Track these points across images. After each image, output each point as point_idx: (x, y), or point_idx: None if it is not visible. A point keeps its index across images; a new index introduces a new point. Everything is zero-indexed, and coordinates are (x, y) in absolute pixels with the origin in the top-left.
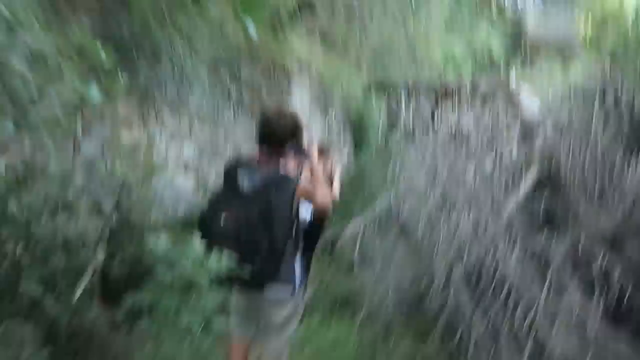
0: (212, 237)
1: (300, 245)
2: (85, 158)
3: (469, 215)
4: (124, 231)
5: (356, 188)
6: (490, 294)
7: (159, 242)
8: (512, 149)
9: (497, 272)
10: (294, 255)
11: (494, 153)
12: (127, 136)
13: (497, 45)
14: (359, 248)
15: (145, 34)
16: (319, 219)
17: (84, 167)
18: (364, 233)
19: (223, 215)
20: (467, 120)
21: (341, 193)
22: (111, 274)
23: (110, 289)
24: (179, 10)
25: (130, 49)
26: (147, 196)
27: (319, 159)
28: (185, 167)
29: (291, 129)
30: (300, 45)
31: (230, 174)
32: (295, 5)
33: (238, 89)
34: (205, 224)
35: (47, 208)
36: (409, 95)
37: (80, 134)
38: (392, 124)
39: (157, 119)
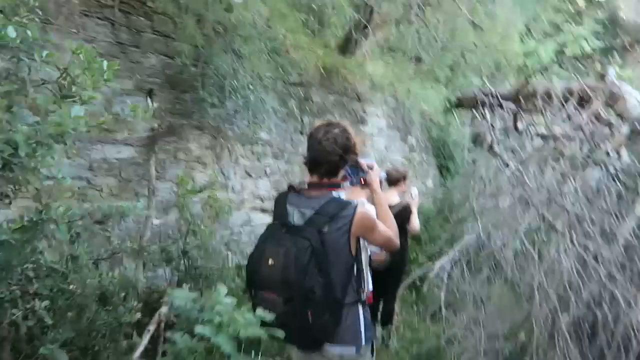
0: (256, 286)
1: (365, 288)
2: (160, 201)
3: (573, 243)
4: (189, 279)
5: (444, 217)
6: (609, 350)
7: (179, 293)
8: (620, 157)
9: (618, 319)
10: (357, 302)
11: (599, 164)
12: (200, 175)
13: (588, 39)
14: (446, 288)
15: (212, 70)
16: (398, 254)
17: (159, 210)
18: (452, 270)
19: (269, 256)
20: (563, 128)
21: (423, 224)
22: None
23: None
24: (244, 42)
25: (197, 86)
26: (216, 239)
27: (395, 186)
28: (262, 202)
29: (342, 147)
30: (373, 66)
31: (278, 207)
32: (365, 24)
33: (310, 120)
34: (250, 269)
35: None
36: (493, 106)
37: (155, 176)
38: (477, 140)
39: (230, 155)
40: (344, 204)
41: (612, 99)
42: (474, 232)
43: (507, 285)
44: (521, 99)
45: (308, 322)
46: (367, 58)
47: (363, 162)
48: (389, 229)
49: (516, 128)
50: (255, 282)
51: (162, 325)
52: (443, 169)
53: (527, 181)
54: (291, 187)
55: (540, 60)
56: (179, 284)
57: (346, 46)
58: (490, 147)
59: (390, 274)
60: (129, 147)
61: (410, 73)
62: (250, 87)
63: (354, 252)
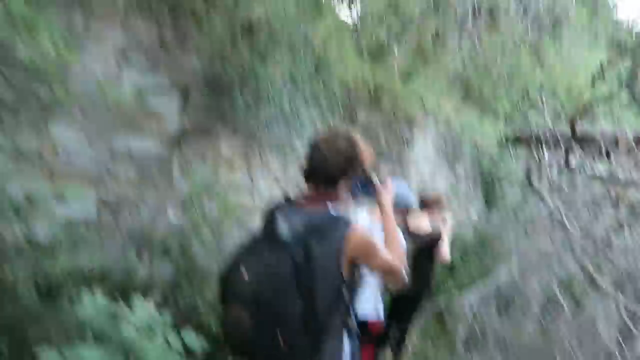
0: (226, 300)
1: (351, 318)
2: (181, 200)
3: (617, 307)
4: (185, 278)
5: (483, 249)
6: None
7: (88, 300)
8: None
9: None
10: (342, 331)
11: None
12: (227, 177)
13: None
14: (470, 325)
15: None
16: (422, 281)
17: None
18: (480, 307)
19: (244, 268)
20: (627, 173)
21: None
22: None
23: None
24: (287, 49)
25: (234, 88)
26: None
27: (428, 212)
28: None
29: (345, 157)
30: (427, 90)
31: (267, 217)
32: (427, 46)
33: None
34: (222, 279)
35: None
36: (550, 146)
37: (178, 172)
38: (530, 179)
39: (261, 161)
40: (338, 221)
41: None
42: (508, 270)
43: (536, 333)
44: (577, 131)
45: (279, 348)
46: (424, 82)
47: (375, 177)
48: (394, 258)
49: (567, 164)
50: (225, 296)
51: None
52: (489, 203)
53: (570, 224)
54: (287, 198)
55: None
56: (176, 283)
57: (406, 66)
58: (531, 183)
59: (410, 301)
60: (155, 141)
61: (467, 104)
62: (287, 96)
63: (344, 276)
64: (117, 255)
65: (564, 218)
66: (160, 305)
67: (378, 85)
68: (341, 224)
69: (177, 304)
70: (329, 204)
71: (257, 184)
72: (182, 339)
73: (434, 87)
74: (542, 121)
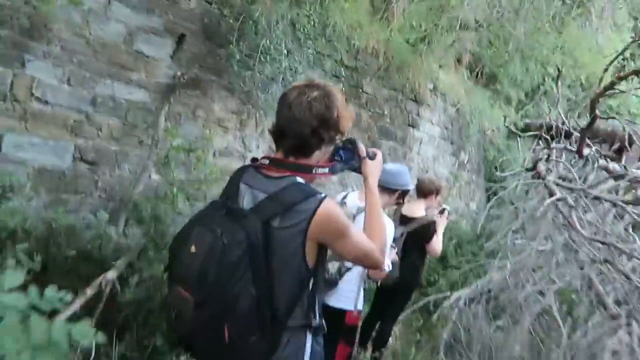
0: (172, 276)
1: (317, 314)
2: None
3: (630, 334)
4: (153, 246)
5: (479, 244)
6: None
7: None
8: None
9: None
10: (305, 328)
11: None
12: (218, 140)
13: None
14: (454, 326)
15: (250, 23)
16: (409, 274)
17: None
18: (468, 306)
19: (193, 241)
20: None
21: (455, 247)
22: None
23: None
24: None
25: (232, 39)
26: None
27: (425, 198)
28: None
29: (319, 116)
30: (439, 68)
31: (231, 183)
32: (443, 24)
33: (356, 109)
34: (170, 253)
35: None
36: (562, 137)
37: (163, 127)
38: (538, 171)
39: (256, 126)
40: (307, 193)
41: None
42: (501, 270)
43: (526, 347)
44: (596, 116)
45: (222, 340)
46: (436, 59)
47: (362, 146)
48: (372, 241)
49: (580, 153)
50: (171, 272)
51: (105, 292)
52: (492, 194)
53: (576, 224)
54: (254, 161)
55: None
56: (143, 250)
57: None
58: (539, 175)
59: (396, 293)
60: (142, 89)
61: (479, 86)
62: (286, 51)
63: (311, 262)
64: (88, 214)
65: (572, 216)
66: (122, 278)
67: (389, 54)
68: (310, 198)
69: (140, 274)
70: (297, 173)
71: (251, 149)
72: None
73: (446, 63)
74: (555, 110)
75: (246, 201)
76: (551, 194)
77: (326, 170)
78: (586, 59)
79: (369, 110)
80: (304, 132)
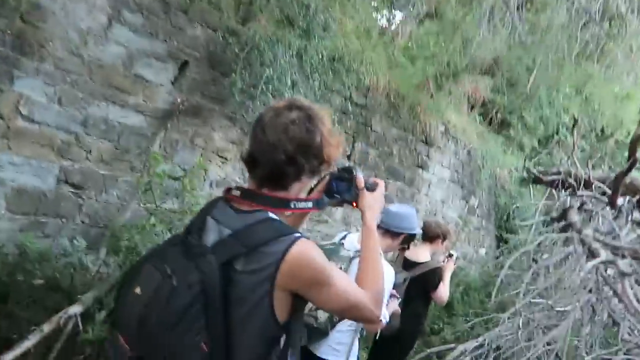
0: (114, 321)
1: None
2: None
3: None
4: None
5: (487, 292)
6: None
7: None
8: None
9: None
10: None
11: None
12: (216, 170)
13: None
14: None
15: (254, 52)
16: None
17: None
18: None
19: (140, 281)
20: None
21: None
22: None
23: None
24: (302, 31)
25: (236, 68)
26: None
27: (430, 242)
28: None
29: (294, 140)
30: (452, 111)
31: (199, 216)
32: (458, 64)
33: (364, 146)
34: (118, 292)
35: None
36: (575, 189)
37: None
38: (554, 222)
39: None
40: (278, 232)
41: None
42: (512, 326)
43: None
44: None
45: None
46: (449, 101)
47: (361, 175)
48: (364, 290)
49: (614, 203)
50: (115, 315)
51: (66, 329)
52: (502, 241)
53: (630, 295)
54: (228, 192)
55: None
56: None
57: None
58: (579, 231)
59: (396, 343)
60: (139, 114)
61: (492, 132)
62: (290, 82)
63: (282, 315)
64: (65, 241)
65: (613, 278)
66: (87, 314)
67: (401, 95)
68: (280, 238)
69: (109, 310)
70: (271, 209)
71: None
72: None
73: (459, 107)
74: (570, 159)
75: (211, 238)
76: (590, 252)
77: (309, 204)
78: (606, 106)
79: (377, 148)
80: (277, 159)
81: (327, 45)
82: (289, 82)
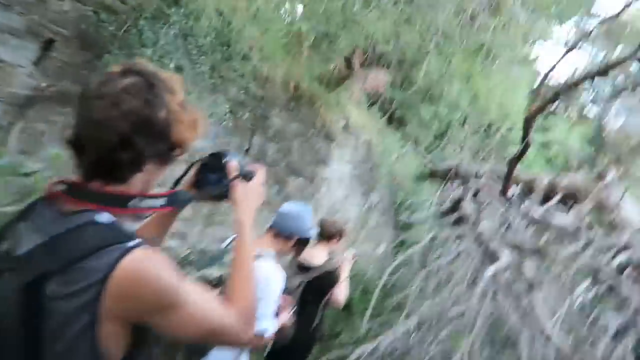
0: None
1: None
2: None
3: None
4: None
5: (385, 291)
6: None
7: None
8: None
9: None
10: None
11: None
12: None
13: (577, 146)
14: None
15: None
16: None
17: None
18: None
19: None
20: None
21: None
22: None
23: None
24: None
25: (112, 48)
26: None
27: (327, 242)
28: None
29: (130, 114)
30: (352, 106)
31: (10, 221)
32: (358, 60)
33: (262, 142)
34: None
35: None
36: (470, 184)
37: (16, 148)
38: (447, 216)
39: None
40: (104, 241)
41: (605, 204)
42: (406, 330)
43: None
44: (506, 183)
45: None
46: (349, 97)
47: (234, 161)
48: (230, 305)
49: (505, 192)
50: None
51: None
52: (399, 239)
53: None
54: (52, 186)
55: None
56: None
57: (333, 77)
58: (463, 221)
59: (291, 353)
60: None
61: (391, 128)
62: (173, 66)
63: (117, 349)
64: None
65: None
66: None
67: (300, 87)
68: (106, 249)
69: None
70: (102, 207)
71: None
72: None
73: (360, 102)
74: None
75: (25, 246)
76: (489, 253)
77: (157, 202)
78: (491, 104)
79: (277, 142)
80: (107, 142)
81: (216, 27)
82: (173, 66)
